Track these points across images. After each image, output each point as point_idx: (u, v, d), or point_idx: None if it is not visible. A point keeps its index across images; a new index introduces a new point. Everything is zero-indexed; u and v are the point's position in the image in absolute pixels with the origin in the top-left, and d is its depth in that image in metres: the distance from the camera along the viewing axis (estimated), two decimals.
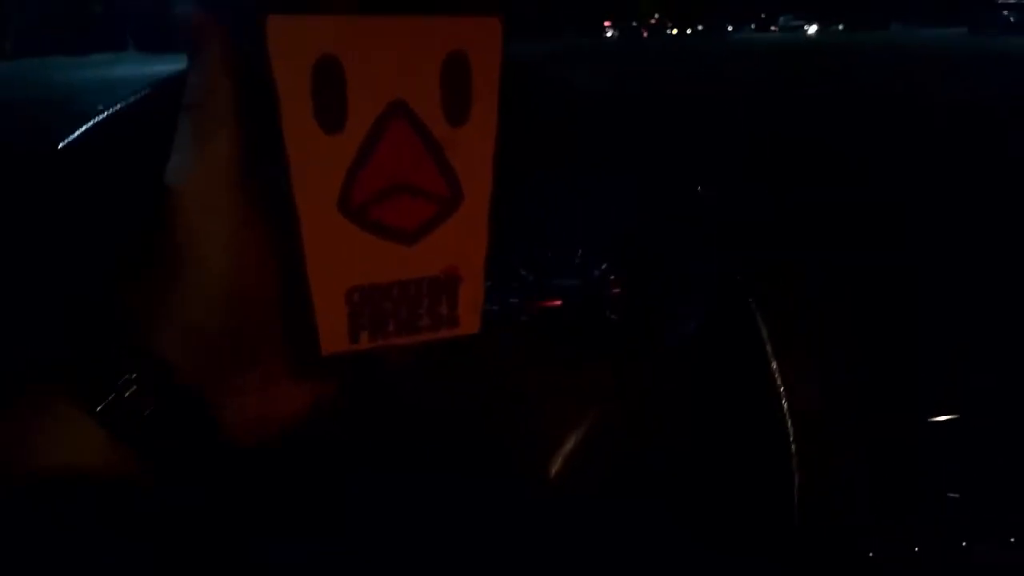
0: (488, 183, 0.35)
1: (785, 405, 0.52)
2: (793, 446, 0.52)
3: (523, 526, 0.58)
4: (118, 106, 0.51)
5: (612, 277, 0.77)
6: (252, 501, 0.38)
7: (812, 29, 47.76)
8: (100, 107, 0.54)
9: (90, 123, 0.51)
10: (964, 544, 0.64)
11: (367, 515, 0.57)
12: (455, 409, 0.59)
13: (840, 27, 49.06)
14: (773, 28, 52.52)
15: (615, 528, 0.59)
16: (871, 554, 0.62)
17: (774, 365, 0.53)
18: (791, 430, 0.52)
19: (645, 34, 50.80)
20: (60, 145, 0.51)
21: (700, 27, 55.67)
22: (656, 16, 59.69)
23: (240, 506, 0.37)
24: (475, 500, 0.59)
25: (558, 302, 0.77)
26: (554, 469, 0.59)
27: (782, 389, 0.53)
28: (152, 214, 0.33)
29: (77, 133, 0.50)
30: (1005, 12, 28.04)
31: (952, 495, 0.65)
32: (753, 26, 56.84)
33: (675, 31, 55.20)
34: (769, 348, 0.53)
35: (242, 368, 0.34)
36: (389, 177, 0.33)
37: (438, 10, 0.31)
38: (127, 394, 0.31)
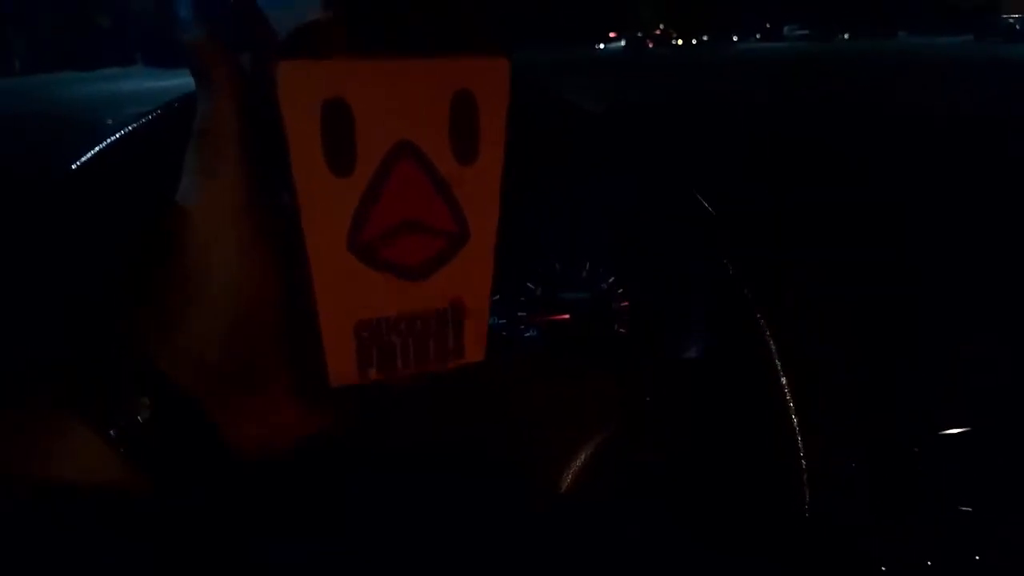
0: (495, 218, 0.35)
1: (791, 407, 0.52)
2: (801, 452, 0.52)
3: (524, 529, 0.58)
4: (129, 127, 0.51)
5: (620, 290, 0.77)
6: (252, 501, 0.38)
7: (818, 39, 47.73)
8: (109, 121, 0.55)
9: (101, 145, 0.51)
10: (976, 558, 0.63)
11: (368, 517, 0.57)
12: (459, 418, 0.59)
13: (846, 36, 49.04)
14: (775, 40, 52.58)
15: (618, 532, 0.59)
16: (883, 568, 0.62)
17: (779, 365, 0.53)
18: (797, 435, 0.52)
19: (650, 44, 50.85)
20: (73, 166, 0.51)
21: (705, 37, 55.72)
22: (661, 27, 59.78)
23: (240, 506, 0.37)
24: (477, 503, 0.59)
25: (566, 316, 0.78)
26: (558, 476, 0.59)
27: (787, 394, 0.53)
28: (160, 236, 0.33)
29: (88, 155, 0.50)
30: (1011, 20, 28.00)
31: (964, 509, 0.64)
32: (759, 36, 56.86)
33: (680, 41, 55.26)
34: (774, 350, 0.53)
35: (248, 393, 0.35)
36: (398, 215, 0.33)
37: (445, 51, 0.32)
38: (140, 418, 0.31)
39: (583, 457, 0.59)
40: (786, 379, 0.52)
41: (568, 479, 0.59)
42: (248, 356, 0.34)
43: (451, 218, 0.34)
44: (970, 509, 0.64)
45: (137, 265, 0.34)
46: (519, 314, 0.77)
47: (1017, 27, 26.32)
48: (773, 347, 0.53)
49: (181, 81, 0.58)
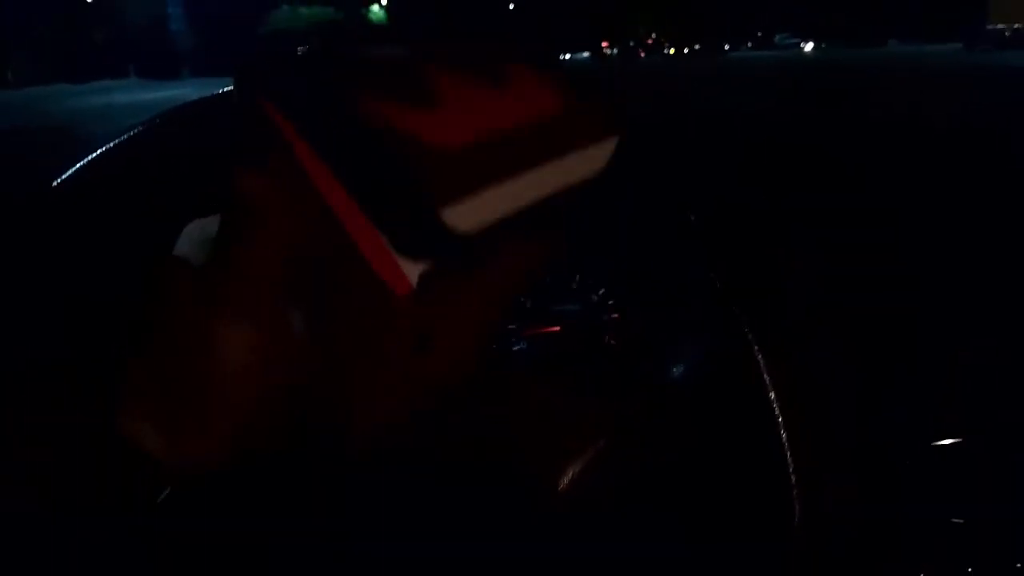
0: None
1: (780, 420, 0.52)
2: (790, 465, 0.52)
3: (522, 533, 0.58)
4: (112, 143, 0.51)
5: (610, 302, 0.77)
6: (253, 500, 0.38)
7: (809, 47, 48.05)
8: (100, 133, 0.55)
9: (81, 163, 0.51)
10: (969, 571, 0.63)
11: (368, 517, 0.57)
12: (457, 422, 0.59)
13: (824, 45, 49.38)
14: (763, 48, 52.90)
15: (614, 536, 0.58)
16: None
17: (767, 379, 0.53)
18: (786, 447, 0.52)
19: (642, 54, 51.16)
20: (54, 183, 0.51)
21: (697, 46, 56.03)
22: (653, 36, 60.10)
23: (241, 505, 0.36)
24: (475, 507, 0.58)
25: (556, 328, 0.77)
26: (555, 482, 0.59)
27: (776, 407, 0.52)
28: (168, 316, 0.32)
29: (69, 173, 0.50)
30: (1001, 27, 28.23)
31: (956, 520, 0.64)
32: (750, 44, 57.21)
33: (672, 50, 55.56)
34: (763, 363, 0.53)
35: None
36: None
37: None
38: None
39: (580, 464, 0.59)
40: (775, 392, 0.51)
41: (565, 485, 0.59)
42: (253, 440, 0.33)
43: None
44: (974, 534, 0.64)
45: (148, 342, 0.32)
46: (508, 326, 0.77)
47: (1006, 34, 26.54)
48: (762, 360, 0.52)
49: (174, 93, 0.58)
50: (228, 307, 0.31)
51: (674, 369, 0.64)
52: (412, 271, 0.29)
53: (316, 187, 0.29)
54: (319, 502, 0.54)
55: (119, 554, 0.29)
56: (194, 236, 0.34)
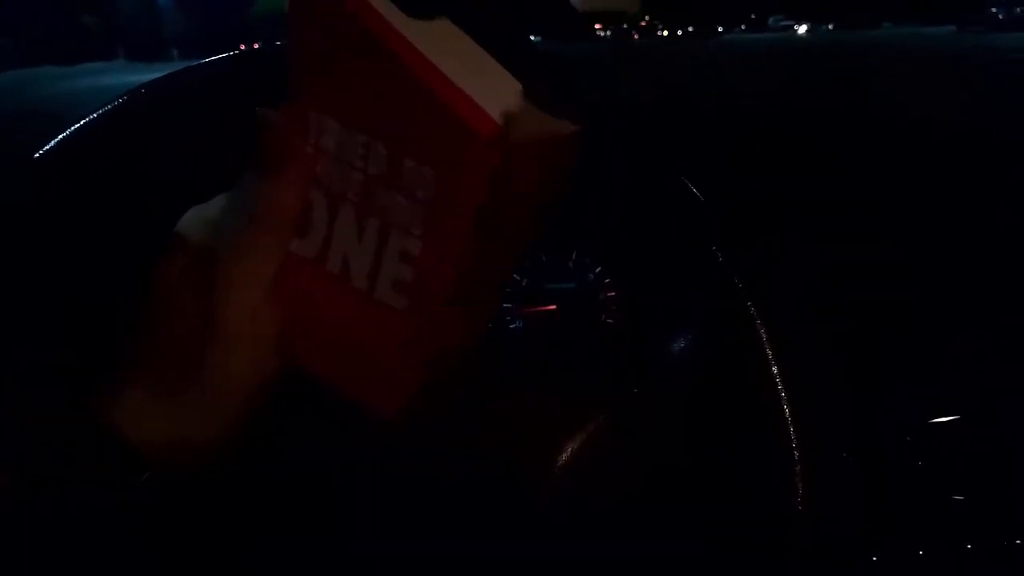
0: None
1: (784, 400, 0.51)
2: (795, 449, 0.51)
3: (522, 532, 0.57)
4: (92, 116, 0.49)
5: (607, 280, 0.76)
6: (252, 501, 0.37)
7: (802, 29, 47.93)
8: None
9: (62, 135, 0.49)
10: (968, 547, 0.63)
11: (368, 518, 0.56)
12: (456, 422, 0.58)
13: (830, 27, 49.27)
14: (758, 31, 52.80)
15: (617, 534, 0.58)
16: (874, 558, 0.61)
17: (770, 356, 0.52)
18: (791, 430, 0.51)
19: (636, 36, 50.98)
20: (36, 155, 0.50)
21: (690, 28, 55.85)
22: (647, 18, 59.91)
23: (240, 506, 0.36)
24: (476, 506, 0.58)
25: (553, 307, 0.76)
26: (554, 479, 0.58)
27: (780, 387, 0.52)
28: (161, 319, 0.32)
29: (51, 144, 0.48)
30: (993, 9, 28.23)
31: (957, 497, 0.64)
32: (744, 27, 57.06)
33: (665, 32, 55.38)
34: (766, 340, 0.52)
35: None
36: None
37: None
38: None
39: (580, 459, 0.59)
40: (779, 371, 0.51)
41: (565, 482, 0.58)
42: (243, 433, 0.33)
43: None
44: (974, 511, 0.63)
45: (138, 342, 0.32)
46: (505, 305, 0.76)
47: (1000, 17, 26.53)
48: (765, 337, 0.52)
49: (163, 74, 0.56)
50: (232, 282, 0.31)
51: (674, 359, 0.63)
52: (495, 109, 0.29)
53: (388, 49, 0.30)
54: (319, 503, 0.53)
55: (111, 550, 0.29)
56: (195, 220, 0.34)
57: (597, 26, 55.31)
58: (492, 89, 0.30)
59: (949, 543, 0.63)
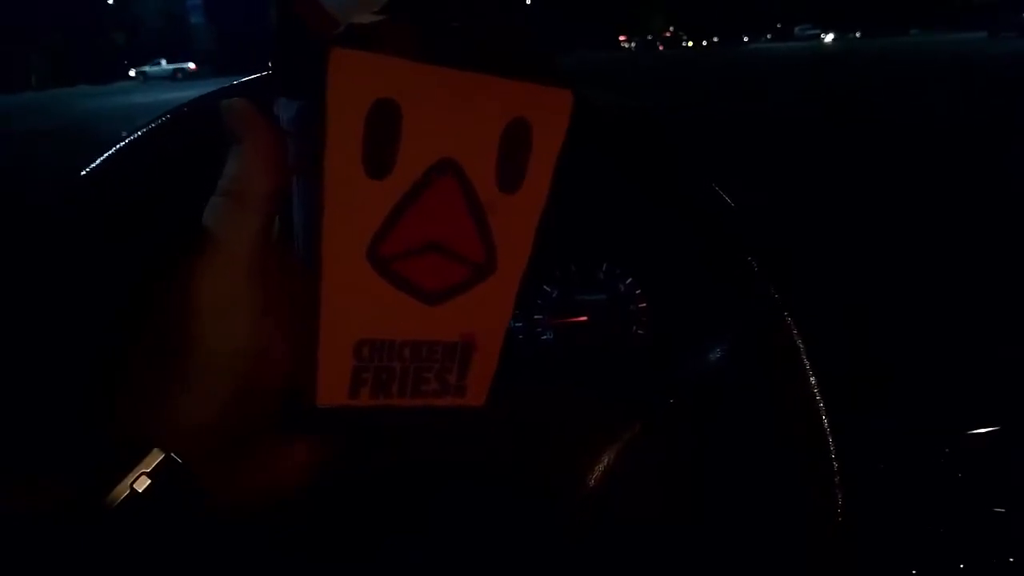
0: (525, 255, 0.33)
1: (820, 409, 0.51)
2: (832, 454, 0.51)
3: (541, 543, 0.57)
4: (136, 134, 0.51)
5: (637, 291, 0.76)
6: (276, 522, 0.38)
7: (829, 37, 47.56)
8: (124, 134, 0.55)
9: (109, 152, 0.50)
10: (1011, 560, 0.62)
11: (386, 526, 0.57)
12: (475, 432, 0.59)
13: (858, 34, 48.83)
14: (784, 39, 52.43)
15: (645, 550, 0.58)
16: (914, 572, 0.60)
17: (807, 364, 0.52)
18: (828, 437, 0.51)
19: (660, 47, 50.89)
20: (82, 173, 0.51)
21: (716, 39, 55.68)
22: (671, 29, 59.78)
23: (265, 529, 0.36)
24: (494, 517, 0.58)
25: (584, 318, 0.76)
26: (583, 491, 0.58)
27: (816, 395, 0.51)
28: (164, 288, 0.32)
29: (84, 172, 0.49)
30: None
31: (998, 509, 0.63)
32: (769, 36, 56.75)
33: (690, 43, 55.23)
34: (802, 348, 0.52)
35: (243, 449, 0.33)
36: (426, 233, 0.31)
37: (510, 73, 0.29)
38: (139, 488, 0.30)
39: (611, 472, 0.58)
40: (817, 382, 0.50)
41: (596, 495, 0.58)
42: (248, 417, 0.33)
43: (481, 247, 0.32)
44: (1015, 523, 0.62)
45: (135, 320, 0.33)
46: (535, 316, 0.76)
47: None
48: (801, 346, 0.51)
49: (195, 92, 0.57)
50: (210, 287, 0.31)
51: (707, 370, 0.63)
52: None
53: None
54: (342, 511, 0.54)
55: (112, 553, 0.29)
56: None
57: (621, 38, 55.31)
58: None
59: (990, 556, 0.62)
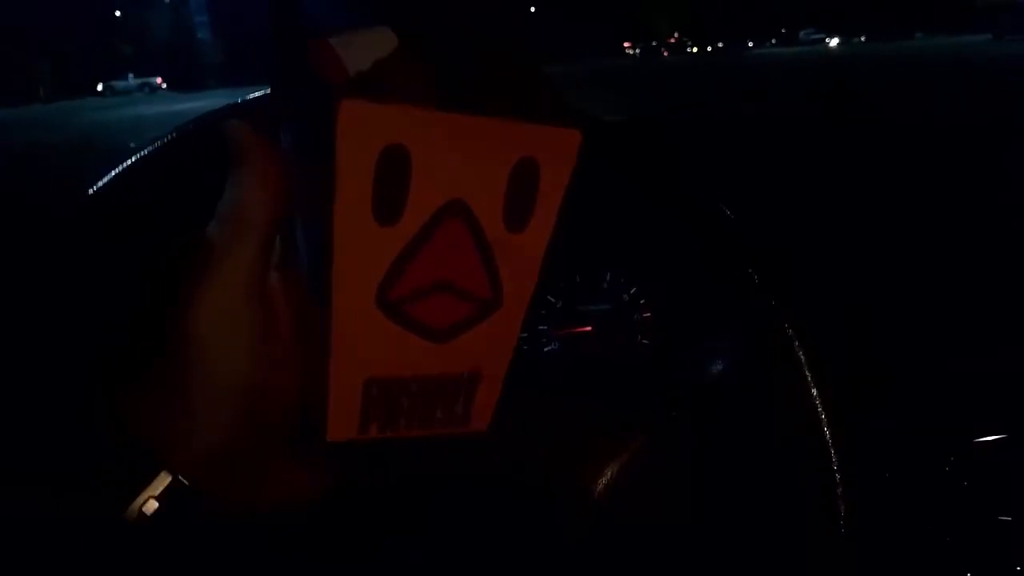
0: (531, 289, 0.34)
1: (823, 419, 0.51)
2: (835, 464, 0.51)
3: (551, 547, 0.57)
4: (143, 152, 0.51)
5: (642, 301, 0.76)
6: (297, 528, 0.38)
7: (834, 42, 47.51)
8: (132, 144, 0.55)
9: (116, 170, 0.51)
10: (1017, 569, 0.62)
11: (386, 526, 0.57)
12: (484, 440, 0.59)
13: (863, 39, 48.76)
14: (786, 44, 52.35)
15: (651, 555, 0.58)
16: None
17: (809, 376, 0.52)
18: (831, 447, 0.51)
19: (665, 53, 50.91)
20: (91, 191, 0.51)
21: (720, 44, 55.67)
22: (675, 35, 59.81)
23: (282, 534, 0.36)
24: (504, 521, 0.58)
25: (588, 328, 0.77)
26: (588, 500, 0.58)
27: (818, 405, 0.51)
28: (156, 317, 0.32)
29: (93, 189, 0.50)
30: None
31: (1004, 518, 0.63)
32: (774, 41, 56.72)
33: (695, 49, 55.24)
34: (804, 360, 0.52)
35: (251, 472, 0.34)
36: (434, 274, 0.31)
37: (517, 115, 0.30)
38: (148, 511, 0.30)
39: (616, 481, 0.58)
40: (818, 392, 0.50)
41: (601, 503, 0.58)
42: (253, 436, 0.33)
43: (487, 284, 0.33)
44: (1010, 518, 0.62)
45: (140, 340, 0.33)
46: (540, 327, 0.76)
47: None
48: (803, 357, 0.51)
49: (203, 103, 0.58)
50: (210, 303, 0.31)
51: (710, 380, 0.63)
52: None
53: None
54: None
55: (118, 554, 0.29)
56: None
57: (626, 44, 55.36)
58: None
59: (996, 565, 0.62)
